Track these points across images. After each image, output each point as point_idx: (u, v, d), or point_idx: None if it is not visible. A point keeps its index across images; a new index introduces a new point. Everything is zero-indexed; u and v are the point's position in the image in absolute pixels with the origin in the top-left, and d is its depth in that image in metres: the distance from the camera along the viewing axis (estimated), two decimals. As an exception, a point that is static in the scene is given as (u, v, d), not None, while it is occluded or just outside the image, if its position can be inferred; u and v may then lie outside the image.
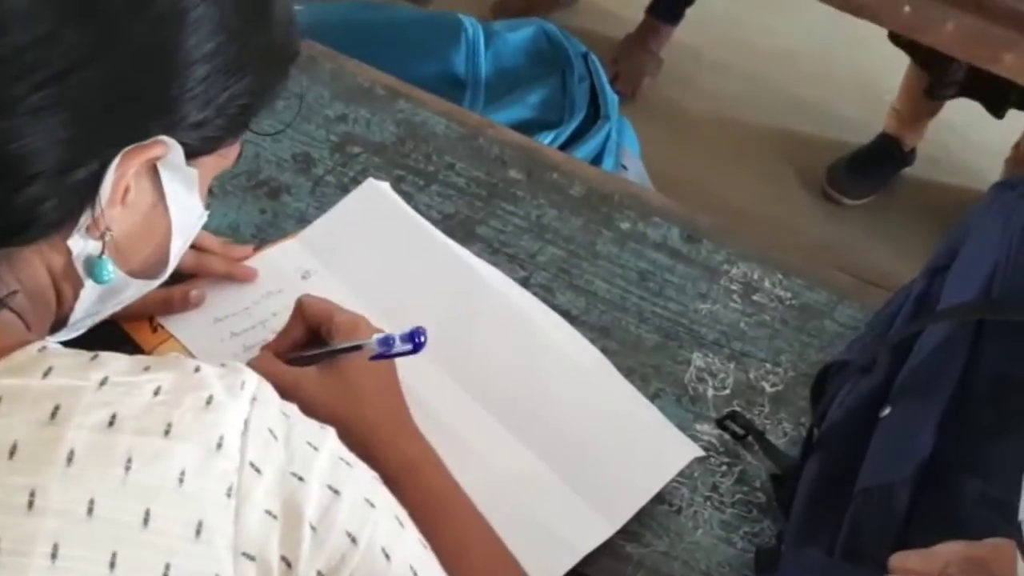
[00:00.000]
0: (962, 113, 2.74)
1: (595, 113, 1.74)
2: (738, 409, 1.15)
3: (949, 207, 2.70)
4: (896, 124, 2.79)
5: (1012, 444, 0.96)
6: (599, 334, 1.18)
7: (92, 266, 0.79)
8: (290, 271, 1.18)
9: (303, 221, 1.24)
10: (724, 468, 1.12)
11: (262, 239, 1.22)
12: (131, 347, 1.10)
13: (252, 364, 1.00)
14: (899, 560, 0.86)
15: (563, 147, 1.69)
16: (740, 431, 1.13)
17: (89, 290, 0.81)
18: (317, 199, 1.27)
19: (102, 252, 0.79)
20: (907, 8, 1.90)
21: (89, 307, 0.84)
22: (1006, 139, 2.75)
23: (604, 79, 1.76)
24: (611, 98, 1.75)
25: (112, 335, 1.07)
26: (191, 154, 0.79)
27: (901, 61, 2.68)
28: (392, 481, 0.82)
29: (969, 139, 2.88)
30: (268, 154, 1.29)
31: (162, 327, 1.12)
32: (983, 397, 0.99)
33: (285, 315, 1.12)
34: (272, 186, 1.28)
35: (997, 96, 2.53)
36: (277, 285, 1.16)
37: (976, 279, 1.05)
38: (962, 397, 0.99)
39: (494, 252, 1.24)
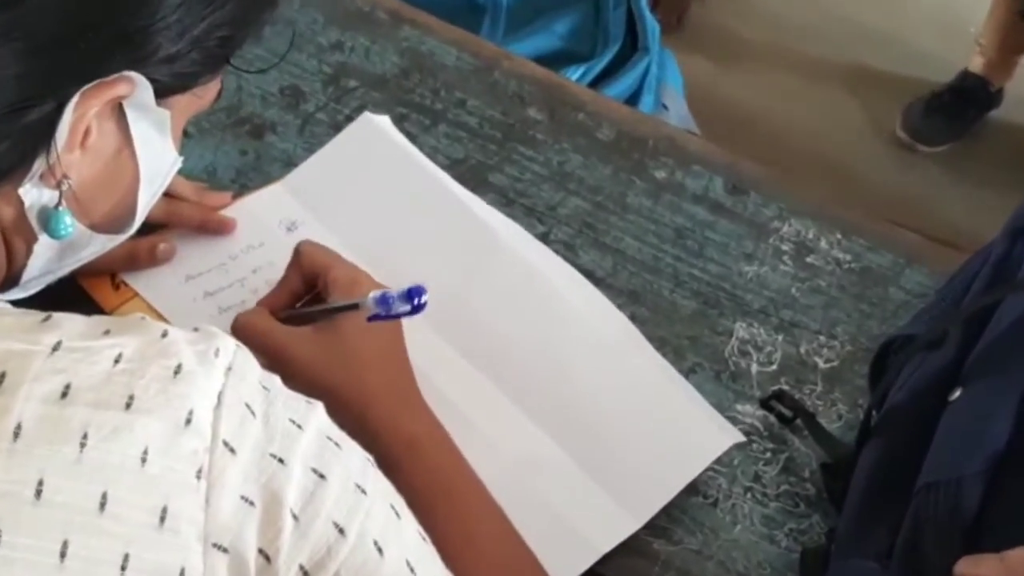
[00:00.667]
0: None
1: (632, 44, 1.74)
2: (786, 388, 1.15)
3: (1041, 158, 2.71)
4: (982, 61, 2.79)
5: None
6: (628, 299, 1.19)
7: (47, 219, 0.80)
8: (274, 222, 1.19)
9: (290, 164, 1.24)
10: (768, 455, 1.13)
11: (243, 184, 1.23)
12: (90, 306, 1.12)
13: (243, 319, 1.03)
14: (968, 566, 0.86)
15: (594, 83, 1.70)
16: (787, 413, 1.14)
17: (44, 245, 0.82)
18: (307, 139, 1.27)
19: (59, 203, 0.80)
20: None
21: (44, 264, 0.85)
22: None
23: (644, 4, 1.76)
24: (651, 27, 1.75)
25: (69, 293, 1.06)
26: (162, 92, 0.80)
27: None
28: (392, 460, 0.84)
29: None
30: (251, 87, 1.30)
31: (125, 284, 1.13)
32: (1069, 379, 0.98)
33: (267, 272, 1.14)
34: (255, 124, 1.29)
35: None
36: (259, 238, 1.17)
37: (1066, 242, 1.05)
38: (1045, 379, 0.99)
39: (509, 203, 1.25)
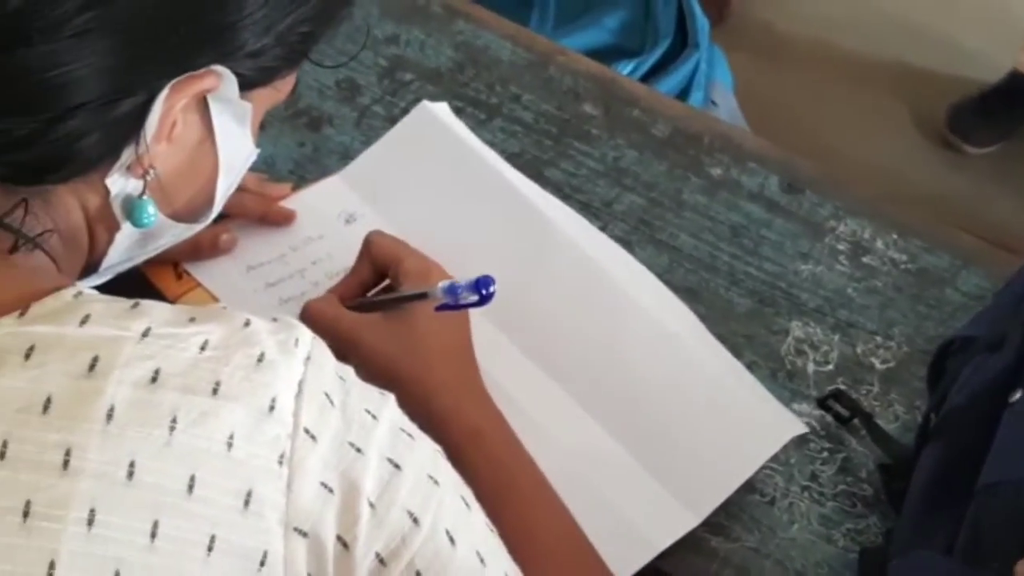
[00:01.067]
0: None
1: (682, 40, 1.75)
2: (843, 388, 1.16)
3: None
4: (1031, 62, 2.78)
5: None
6: (684, 297, 1.19)
7: (132, 208, 0.82)
8: (333, 214, 1.21)
9: (347, 157, 1.26)
10: (825, 455, 1.14)
11: (300, 176, 1.25)
12: (152, 295, 1.12)
13: (314, 306, 1.05)
14: None
15: (645, 79, 1.70)
16: (845, 413, 1.15)
17: (125, 234, 0.85)
18: (363, 131, 1.29)
19: (143, 192, 0.82)
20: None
21: (124, 252, 0.87)
22: None
23: (695, 1, 1.76)
24: (701, 23, 1.76)
25: (133, 282, 1.08)
26: (245, 86, 0.82)
27: (1040, -15, 2.68)
28: (456, 450, 0.85)
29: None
30: (309, 80, 1.31)
31: (188, 274, 1.16)
32: None
33: (327, 264, 1.16)
34: (313, 116, 1.31)
35: None
36: (318, 230, 1.19)
37: None
38: (1107, 380, 0.99)
39: (564, 198, 1.26)
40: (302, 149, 1.28)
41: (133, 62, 0.75)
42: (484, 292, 0.99)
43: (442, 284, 1.01)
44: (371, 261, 1.09)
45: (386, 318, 1.04)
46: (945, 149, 2.80)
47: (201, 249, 1.15)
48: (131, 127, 0.78)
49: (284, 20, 0.81)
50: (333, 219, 1.21)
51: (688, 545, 1.06)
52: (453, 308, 1.01)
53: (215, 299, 1.14)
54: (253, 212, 1.18)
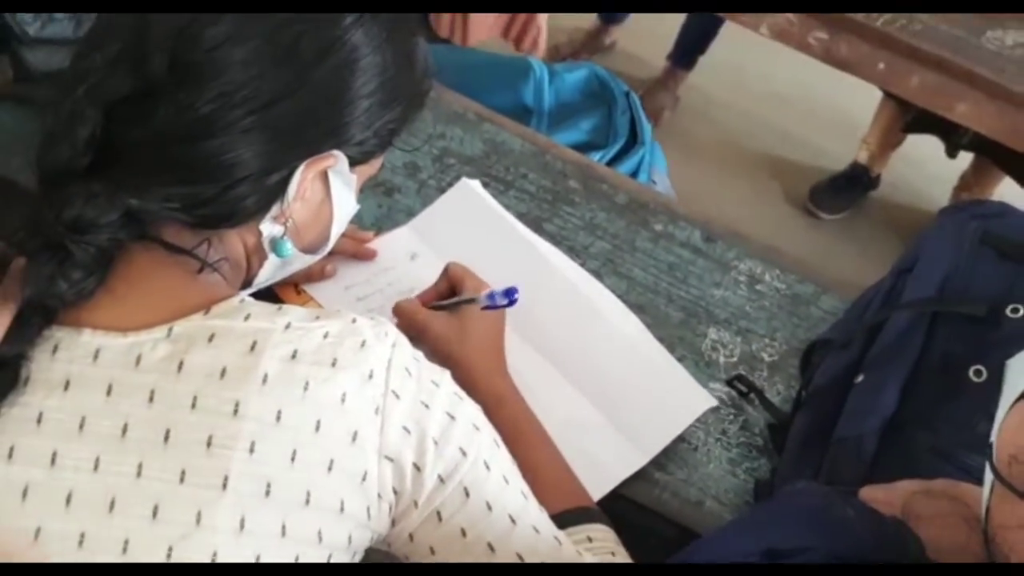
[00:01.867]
0: (919, 149, 2.74)
1: (633, 139, 1.75)
2: (743, 373, 1.17)
3: (907, 223, 2.73)
4: (866, 155, 2.80)
5: (955, 407, 0.98)
6: (636, 311, 1.20)
7: (276, 244, 0.84)
8: (401, 253, 1.21)
9: (411, 214, 1.26)
10: (731, 417, 1.14)
11: (379, 227, 1.25)
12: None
13: (403, 305, 1.06)
14: (867, 492, 0.88)
15: (609, 164, 1.69)
16: (744, 390, 1.16)
17: (271, 262, 0.86)
18: (422, 198, 1.29)
19: (284, 234, 0.84)
20: (881, 65, 1.91)
21: (269, 274, 0.88)
22: (954, 171, 2.76)
23: (642, 112, 1.76)
24: (646, 128, 1.76)
25: (265, 296, 1.09)
26: (352, 164, 0.84)
27: (871, 103, 2.69)
28: (486, 408, 0.86)
29: (925, 170, 2.88)
30: (384, 162, 1.31)
31: (304, 291, 1.16)
32: (935, 370, 1.01)
33: (398, 285, 1.16)
34: (387, 186, 1.31)
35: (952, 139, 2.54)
36: (391, 263, 1.20)
37: (932, 281, 1.08)
38: (919, 370, 1.02)
39: (556, 244, 1.26)
40: (380, 209, 1.28)
41: (281, 149, 0.77)
42: (512, 297, 1.03)
43: (484, 292, 1.04)
44: (448, 279, 1.10)
45: (447, 315, 1.05)
46: (808, 216, 2.81)
47: (313, 274, 1.15)
48: (277, 191, 0.79)
49: (379, 121, 0.83)
50: (402, 256, 1.21)
51: (640, 477, 1.07)
52: (492, 308, 1.04)
53: (322, 308, 1.15)
54: (348, 250, 1.18)
